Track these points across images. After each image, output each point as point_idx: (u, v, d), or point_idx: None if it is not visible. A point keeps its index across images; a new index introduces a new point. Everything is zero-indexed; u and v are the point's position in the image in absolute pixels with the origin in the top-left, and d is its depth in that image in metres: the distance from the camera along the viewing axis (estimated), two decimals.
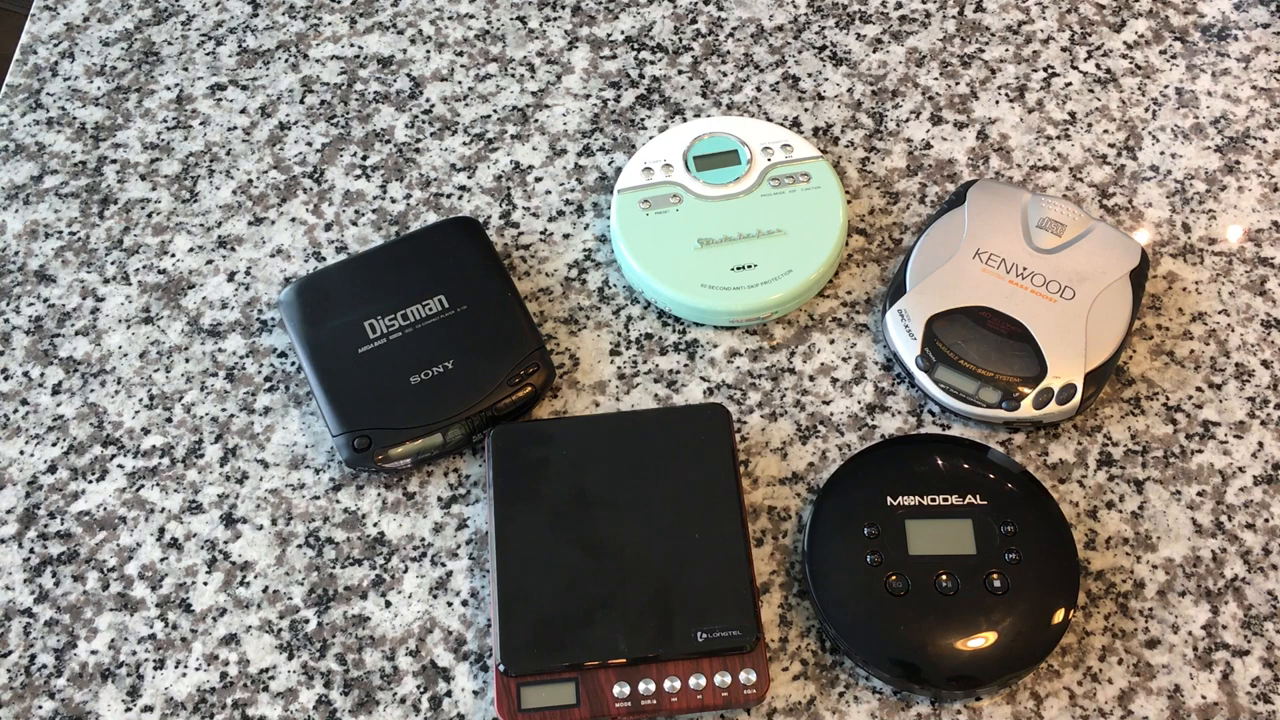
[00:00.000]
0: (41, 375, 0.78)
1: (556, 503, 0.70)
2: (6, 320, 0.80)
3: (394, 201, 0.84)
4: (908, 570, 0.68)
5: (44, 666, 0.70)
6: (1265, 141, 0.86)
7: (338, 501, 0.74)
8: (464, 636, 0.70)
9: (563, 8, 0.93)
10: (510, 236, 0.83)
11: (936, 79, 0.89)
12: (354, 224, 0.84)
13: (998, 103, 0.88)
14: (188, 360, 0.79)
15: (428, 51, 0.91)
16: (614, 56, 0.90)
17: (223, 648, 0.70)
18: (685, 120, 0.87)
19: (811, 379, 0.78)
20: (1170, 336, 0.79)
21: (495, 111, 0.88)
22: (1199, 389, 0.77)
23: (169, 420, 0.77)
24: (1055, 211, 0.79)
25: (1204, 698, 0.68)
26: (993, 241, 0.78)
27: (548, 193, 0.85)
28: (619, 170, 0.85)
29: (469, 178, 0.85)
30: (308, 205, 0.84)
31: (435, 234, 0.79)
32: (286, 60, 0.91)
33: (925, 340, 0.75)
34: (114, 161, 0.86)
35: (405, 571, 0.72)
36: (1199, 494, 0.74)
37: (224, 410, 0.77)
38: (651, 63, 0.90)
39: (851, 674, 0.69)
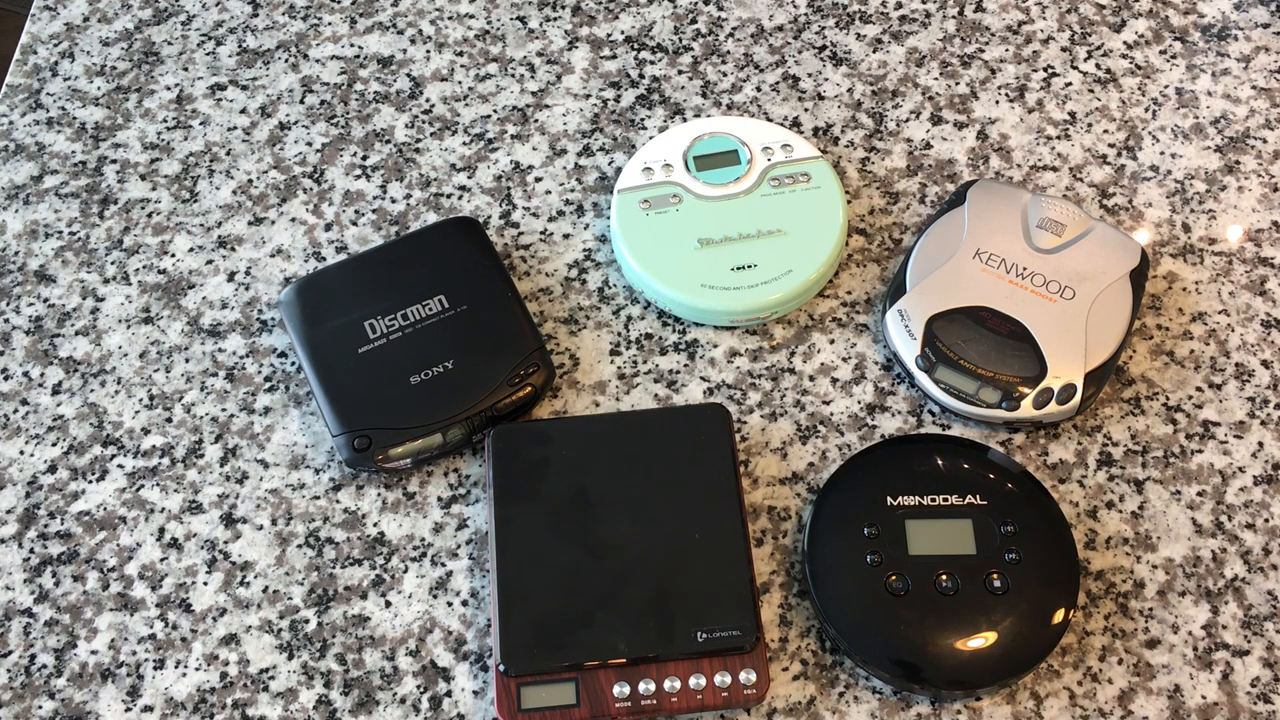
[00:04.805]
0: (41, 375, 0.78)
1: (556, 503, 0.70)
2: (6, 320, 0.80)
3: (394, 201, 0.84)
4: (908, 570, 0.68)
5: (44, 666, 0.70)
6: (1265, 141, 0.86)
7: (338, 501, 0.74)
8: (464, 636, 0.70)
9: (563, 8, 0.93)
10: (510, 236, 0.83)
11: (936, 79, 0.89)
12: (354, 224, 0.84)
13: (998, 103, 0.88)
14: (188, 360, 0.79)
15: (428, 51, 0.91)
16: (614, 56, 0.90)
17: (223, 648, 0.70)
18: (685, 120, 0.87)
19: (811, 379, 0.78)
20: (1170, 336, 0.79)
21: (495, 111, 0.88)
22: (1199, 389, 0.77)
23: (169, 420, 0.77)
24: (1055, 211, 0.79)
25: (1204, 698, 0.68)
26: (993, 241, 0.78)
27: (548, 193, 0.85)
28: (619, 170, 0.85)
29: (469, 178, 0.85)
30: (308, 205, 0.84)
31: (435, 234, 0.79)
32: (286, 60, 0.91)
33: (925, 340, 0.75)
34: (114, 161, 0.86)
35: (405, 571, 0.72)
36: (1199, 494, 0.74)
37: (224, 410, 0.77)
38: (651, 63, 0.90)
39: (851, 674, 0.69)
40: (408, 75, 0.90)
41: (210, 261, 0.82)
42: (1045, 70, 0.89)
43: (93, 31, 0.92)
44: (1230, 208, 0.83)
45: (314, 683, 0.69)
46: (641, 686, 0.66)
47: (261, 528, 0.73)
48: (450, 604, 0.71)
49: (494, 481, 0.71)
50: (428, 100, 0.89)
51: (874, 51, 0.90)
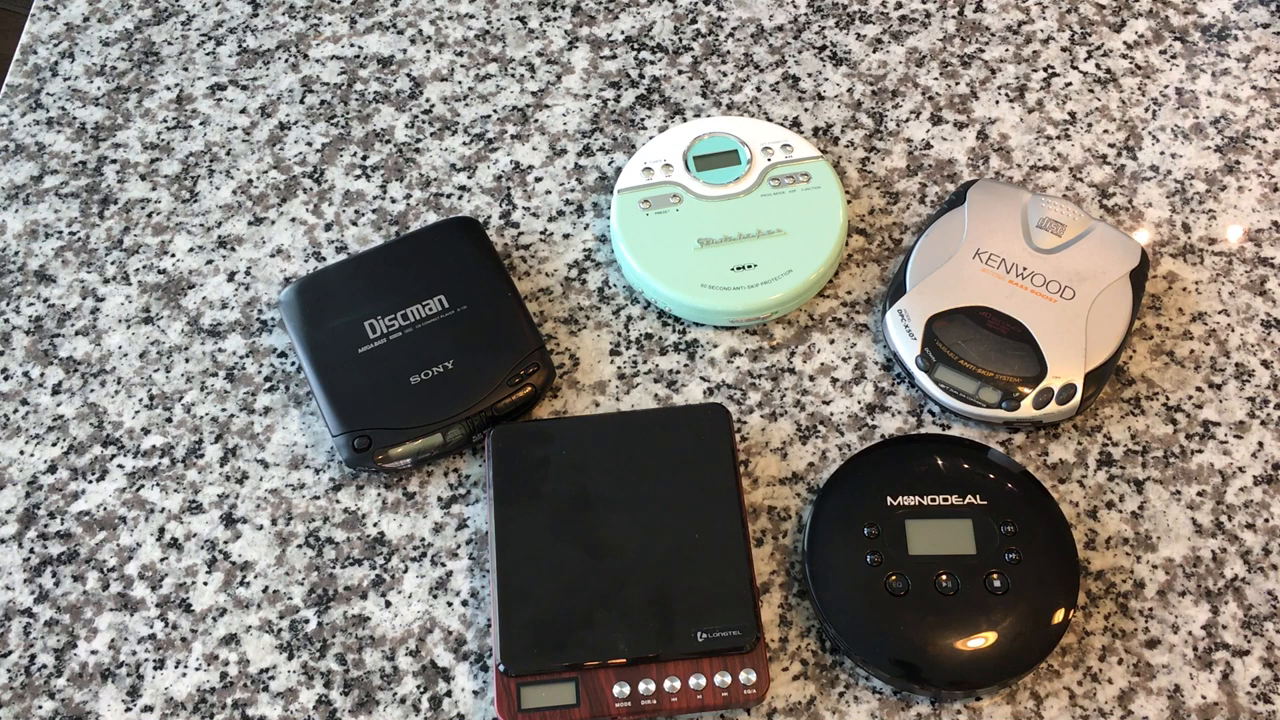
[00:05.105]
0: (41, 375, 0.78)
1: (556, 503, 0.70)
2: (6, 320, 0.80)
3: (394, 201, 0.84)
4: (908, 570, 0.68)
5: (44, 666, 0.70)
6: (1265, 141, 0.86)
7: (338, 501, 0.74)
8: (464, 636, 0.70)
9: (563, 8, 0.93)
10: (510, 236, 0.83)
11: (936, 79, 0.89)
12: (354, 224, 0.84)
13: (998, 103, 0.88)
14: (188, 360, 0.79)
15: (428, 51, 0.91)
16: (614, 56, 0.90)
17: (223, 648, 0.70)
18: (685, 120, 0.87)
19: (811, 379, 0.78)
20: (1170, 336, 0.79)
21: (495, 111, 0.88)
22: (1199, 389, 0.77)
23: (169, 420, 0.77)
24: (1055, 211, 0.79)
25: (1204, 698, 0.68)
26: (993, 241, 0.78)
27: (548, 193, 0.85)
28: (619, 170, 0.85)
29: (469, 178, 0.85)
30: (308, 205, 0.84)
31: (435, 234, 0.79)
32: (286, 60, 0.91)
33: (925, 340, 0.75)
34: (114, 161, 0.86)
35: (405, 571, 0.72)
36: (1199, 494, 0.74)
37: (224, 410, 0.77)
38: (651, 63, 0.90)
39: (851, 674, 0.69)
40: (408, 75, 0.90)
41: (210, 261, 0.82)
42: (1045, 70, 0.89)
43: (93, 31, 0.92)
44: (1230, 208, 0.83)
45: (314, 683, 0.69)
46: (641, 686, 0.66)
47: (261, 528, 0.73)
48: (450, 604, 0.71)
49: (494, 481, 0.71)
50: (428, 100, 0.89)
51: (874, 51, 0.90)
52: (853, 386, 0.77)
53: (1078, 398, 0.74)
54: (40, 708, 0.69)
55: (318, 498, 0.74)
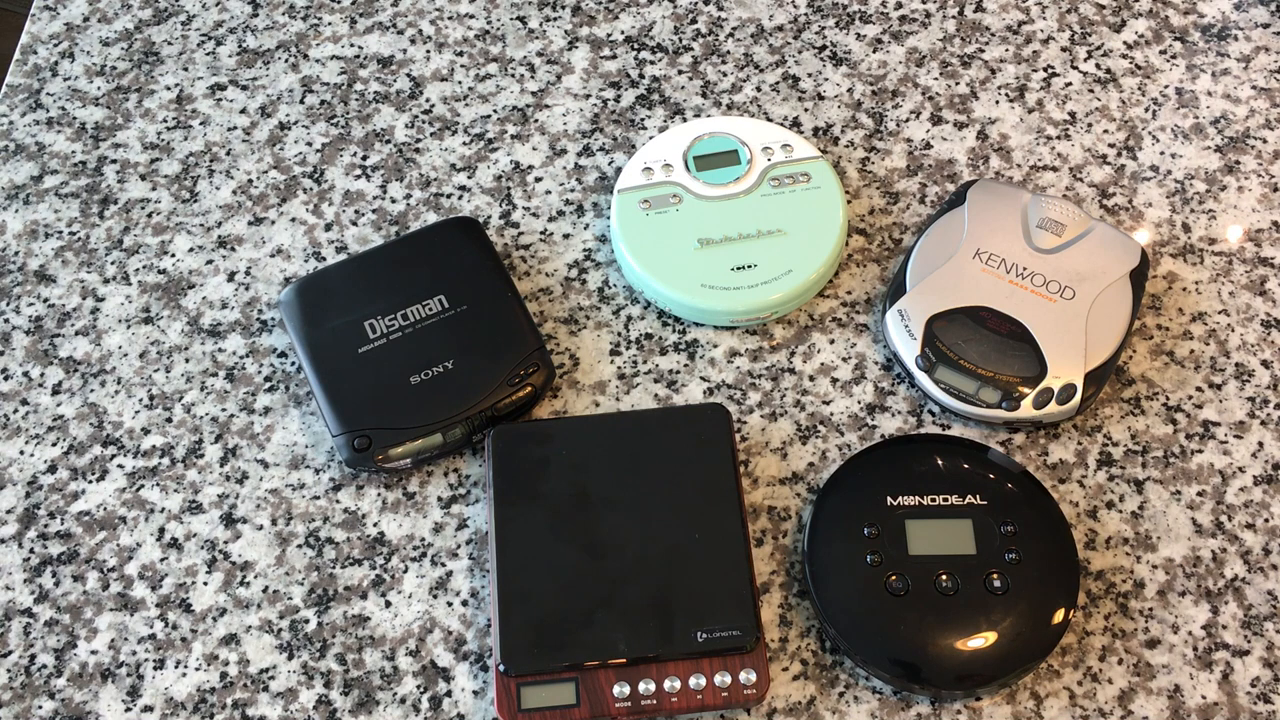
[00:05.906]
0: (41, 375, 0.78)
1: (556, 503, 0.70)
2: (6, 320, 0.80)
3: (394, 201, 0.84)
4: (908, 570, 0.68)
5: (44, 666, 0.70)
6: (1265, 141, 0.86)
7: (338, 501, 0.74)
8: (464, 636, 0.70)
9: (563, 8, 0.93)
10: (510, 236, 0.83)
11: (936, 79, 0.89)
12: (354, 224, 0.84)
13: (998, 103, 0.88)
14: (188, 360, 0.79)
15: (428, 51, 0.91)
16: (614, 56, 0.90)
17: (223, 648, 0.70)
18: (685, 120, 0.87)
19: (811, 379, 0.78)
20: (1170, 336, 0.79)
21: (495, 111, 0.88)
22: (1199, 389, 0.77)
23: (169, 420, 0.77)
24: (1055, 211, 0.79)
25: (1204, 698, 0.68)
26: (993, 241, 0.78)
27: (548, 193, 0.85)
28: (619, 170, 0.85)
29: (469, 178, 0.85)
30: (308, 205, 0.84)
31: (435, 234, 0.79)
32: (286, 60, 0.91)
33: (925, 340, 0.75)
34: (114, 161, 0.86)
35: (405, 571, 0.72)
36: (1199, 494, 0.74)
37: (224, 410, 0.77)
38: (651, 63, 0.90)
39: (851, 674, 0.69)
40: (408, 75, 0.90)
41: (210, 261, 0.82)
42: (1045, 70, 0.89)
43: (93, 31, 0.92)
44: (1230, 208, 0.83)
45: (314, 683, 0.69)
46: (641, 686, 0.66)
47: (261, 528, 0.73)
48: (450, 604, 0.71)
49: (494, 481, 0.71)
50: (428, 100, 0.89)
51: (874, 51, 0.90)
52: (853, 386, 0.77)
53: (1078, 398, 0.74)
54: (40, 708, 0.69)
55: (318, 498, 0.74)
